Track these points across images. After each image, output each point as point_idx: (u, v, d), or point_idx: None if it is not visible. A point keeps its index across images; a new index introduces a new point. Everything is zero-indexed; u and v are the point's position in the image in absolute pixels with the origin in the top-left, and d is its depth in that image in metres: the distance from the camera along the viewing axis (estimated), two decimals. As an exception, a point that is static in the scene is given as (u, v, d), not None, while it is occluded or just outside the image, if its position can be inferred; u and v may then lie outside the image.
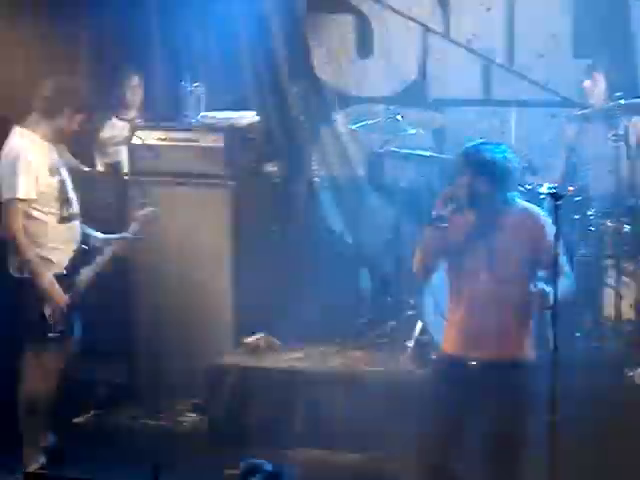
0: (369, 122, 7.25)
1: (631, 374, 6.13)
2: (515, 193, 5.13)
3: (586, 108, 6.94)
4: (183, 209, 6.97)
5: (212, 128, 7.02)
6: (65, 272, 6.03)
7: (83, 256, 6.15)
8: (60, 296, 5.96)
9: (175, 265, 6.96)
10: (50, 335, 6.00)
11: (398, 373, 6.44)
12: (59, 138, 6.08)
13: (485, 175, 4.96)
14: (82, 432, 6.78)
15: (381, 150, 7.32)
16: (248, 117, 7.17)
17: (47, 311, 5.96)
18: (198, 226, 6.92)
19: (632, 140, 6.61)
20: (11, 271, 6.00)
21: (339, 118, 7.91)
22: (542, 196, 6.42)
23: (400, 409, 6.03)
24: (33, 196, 5.90)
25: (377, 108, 7.76)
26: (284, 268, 7.23)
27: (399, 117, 7.21)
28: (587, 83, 6.96)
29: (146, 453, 6.42)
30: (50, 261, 6.00)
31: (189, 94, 7.14)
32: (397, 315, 7.01)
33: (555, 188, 6.38)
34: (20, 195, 5.86)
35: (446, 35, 7.72)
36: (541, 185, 6.51)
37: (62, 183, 6.03)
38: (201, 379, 6.82)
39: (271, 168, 7.48)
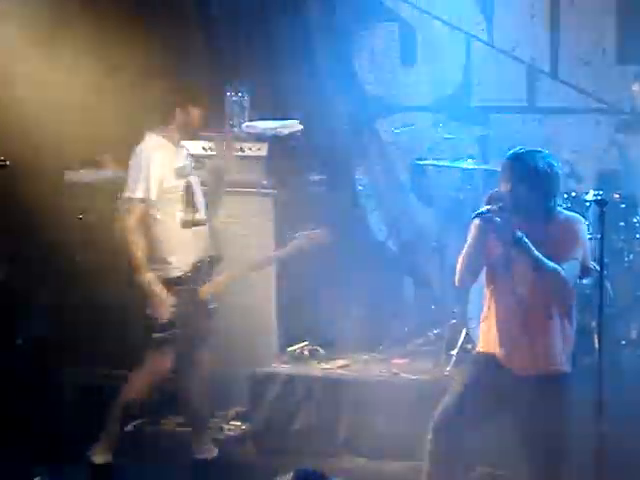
0: (412, 127, 7.27)
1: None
2: (558, 202, 5.06)
3: (633, 114, 6.92)
4: (227, 218, 6.99)
5: (256, 137, 7.04)
6: (184, 275, 6.10)
7: (209, 263, 6.22)
8: (160, 297, 5.99)
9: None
10: (154, 335, 6.08)
11: (442, 381, 6.41)
12: (185, 136, 6.19)
13: (527, 183, 4.90)
14: (130, 440, 6.81)
15: (423, 160, 7.33)
16: (292, 126, 7.19)
17: (149, 310, 6.03)
18: (242, 234, 6.93)
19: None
20: None
21: (383, 126, 7.92)
22: (587, 203, 6.40)
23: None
24: (152, 197, 5.99)
25: (421, 116, 7.81)
26: (327, 276, 7.23)
27: (441, 125, 7.23)
28: (636, 88, 6.90)
29: (191, 460, 6.47)
30: (168, 263, 6.07)
31: (233, 103, 7.17)
32: (441, 323, 7.00)
33: (600, 195, 6.36)
34: (138, 195, 5.97)
35: (490, 43, 7.71)
36: (587, 192, 6.48)
37: (189, 187, 6.11)
38: (246, 387, 6.84)
39: (315, 177, 7.50)
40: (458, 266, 5.03)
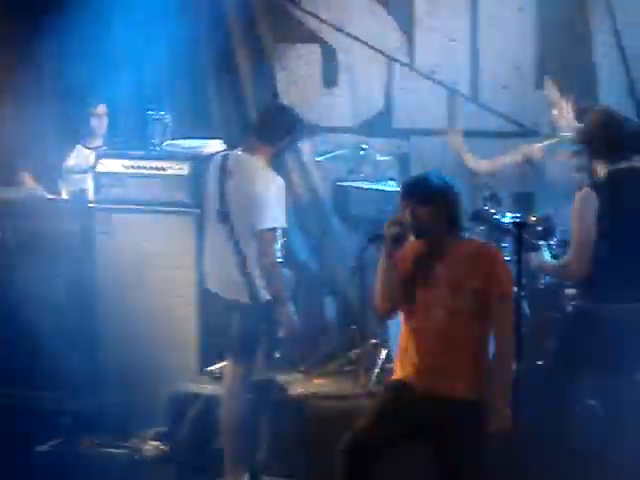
0: (334, 154, 7.32)
1: (593, 402, 6.15)
2: (463, 226, 5.11)
3: (550, 138, 7.03)
4: (149, 237, 6.96)
5: (178, 156, 7.02)
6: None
7: None
8: (296, 321, 6.16)
9: (141, 293, 6.96)
10: (277, 355, 6.36)
11: (361, 401, 6.44)
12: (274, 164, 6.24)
13: (425, 206, 4.94)
14: (45, 460, 6.74)
15: (344, 183, 7.38)
16: (214, 145, 7.18)
17: (280, 334, 6.21)
18: (164, 254, 6.91)
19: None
20: (244, 299, 6.10)
21: (304, 147, 7.95)
22: (505, 226, 6.48)
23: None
24: (285, 225, 6.15)
25: (342, 138, 7.86)
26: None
27: (364, 146, 7.29)
28: (555, 112, 7.01)
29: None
30: None
31: (155, 122, 7.15)
32: (362, 343, 7.03)
33: (518, 217, 6.45)
34: (283, 224, 6.08)
35: (411, 66, 7.78)
36: (504, 215, 6.56)
37: None
38: (165, 407, 6.80)
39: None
40: (377, 300, 5.05)
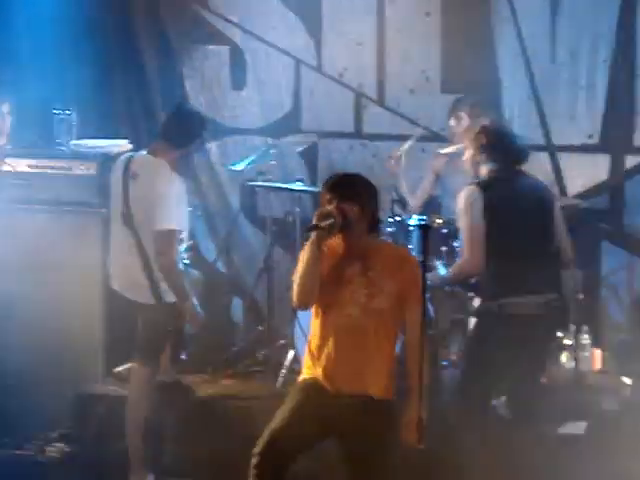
0: (245, 158, 7.37)
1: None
2: (379, 227, 5.20)
3: (451, 144, 7.15)
4: (54, 237, 6.90)
5: (84, 156, 6.98)
6: None
7: None
8: (201, 319, 6.15)
9: (46, 293, 6.89)
10: (182, 357, 6.37)
11: (269, 402, 6.46)
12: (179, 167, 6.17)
13: (351, 201, 5.00)
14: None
15: (253, 182, 7.40)
16: (120, 145, 7.15)
17: (188, 332, 6.28)
18: (69, 254, 6.86)
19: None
20: (149, 300, 6.10)
21: (212, 148, 7.95)
22: (411, 228, 6.57)
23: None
24: (186, 227, 6.09)
25: (250, 139, 7.88)
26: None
27: (271, 151, 7.35)
28: (452, 121, 7.13)
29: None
30: None
31: (61, 121, 7.10)
32: (269, 344, 7.06)
33: (423, 220, 6.56)
34: (181, 227, 6.02)
35: (318, 68, 7.84)
36: (410, 217, 6.65)
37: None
38: (70, 408, 6.75)
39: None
40: (295, 287, 5.05)
